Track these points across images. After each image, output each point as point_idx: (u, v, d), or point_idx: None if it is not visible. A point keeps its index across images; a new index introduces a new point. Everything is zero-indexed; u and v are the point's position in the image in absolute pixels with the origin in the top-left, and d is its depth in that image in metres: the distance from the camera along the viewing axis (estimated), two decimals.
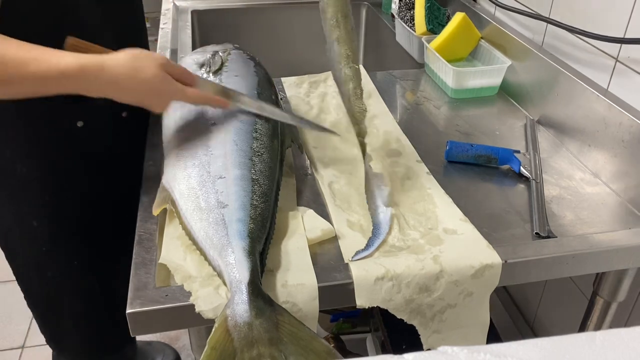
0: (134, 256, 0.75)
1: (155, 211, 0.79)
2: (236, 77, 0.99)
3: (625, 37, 0.93)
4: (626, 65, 0.94)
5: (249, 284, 0.64)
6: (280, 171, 0.89)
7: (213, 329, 0.61)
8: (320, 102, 1.16)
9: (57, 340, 1.22)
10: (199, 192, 0.77)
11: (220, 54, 1.07)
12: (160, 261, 0.73)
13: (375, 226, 0.81)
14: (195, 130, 0.87)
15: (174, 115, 0.92)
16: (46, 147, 0.95)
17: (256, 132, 0.87)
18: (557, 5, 1.10)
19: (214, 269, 0.70)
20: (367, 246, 0.77)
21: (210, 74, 0.99)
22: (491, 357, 0.42)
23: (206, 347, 0.59)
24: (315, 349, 0.61)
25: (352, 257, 0.75)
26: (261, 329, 0.61)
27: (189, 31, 1.54)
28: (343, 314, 1.55)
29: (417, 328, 0.75)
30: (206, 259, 0.71)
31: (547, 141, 1.06)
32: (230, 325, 0.61)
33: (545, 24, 1.14)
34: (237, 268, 0.66)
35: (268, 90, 1.00)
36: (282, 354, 0.60)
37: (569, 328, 1.15)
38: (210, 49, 1.10)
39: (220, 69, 1.02)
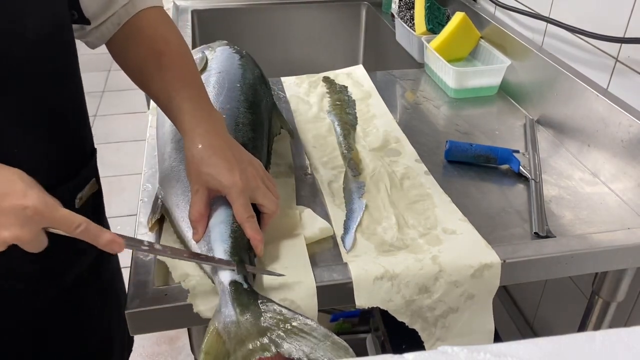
0: (133, 256, 0.75)
1: (150, 222, 0.78)
2: (219, 74, 0.99)
3: (625, 37, 0.93)
4: (626, 65, 0.94)
5: (231, 283, 0.65)
6: (268, 160, 0.89)
7: (205, 335, 0.62)
8: (320, 101, 1.16)
9: None
10: (188, 200, 0.75)
11: (205, 52, 1.07)
12: (158, 257, 0.73)
13: (349, 210, 0.83)
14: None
15: (166, 124, 0.92)
16: None
17: (237, 125, 0.87)
18: (557, 5, 1.10)
19: (206, 274, 0.70)
20: (346, 230, 0.80)
21: None
22: (491, 357, 0.42)
23: (201, 353, 0.60)
24: (301, 329, 0.62)
25: (346, 246, 0.77)
26: (248, 325, 0.62)
27: (189, 31, 1.54)
28: (343, 314, 1.55)
29: (420, 334, 0.74)
30: (199, 265, 0.71)
31: (546, 141, 1.06)
32: (220, 327, 0.62)
33: (545, 23, 1.14)
34: (219, 270, 0.67)
35: (254, 84, 0.99)
36: (271, 343, 0.60)
37: (569, 328, 1.15)
38: (200, 49, 1.10)
39: (204, 68, 1.02)
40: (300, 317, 0.63)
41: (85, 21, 0.76)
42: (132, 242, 0.64)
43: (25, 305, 0.78)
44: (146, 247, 0.65)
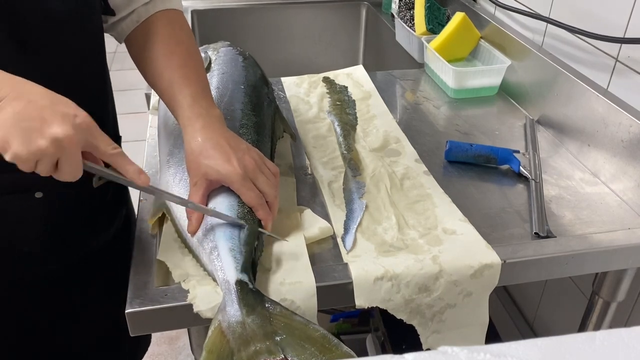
0: (133, 255, 0.75)
1: (151, 220, 0.79)
2: (223, 75, 0.99)
3: (625, 37, 0.93)
4: (626, 65, 0.94)
5: (237, 283, 0.65)
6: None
7: (208, 332, 0.62)
8: (320, 101, 1.16)
9: None
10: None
11: (209, 52, 1.08)
12: (158, 257, 0.73)
13: (350, 210, 0.84)
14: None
15: (168, 123, 0.92)
16: None
17: (241, 127, 0.87)
18: (557, 5, 1.10)
19: (208, 273, 0.70)
20: (347, 230, 0.80)
21: None
22: (491, 357, 0.42)
23: (203, 351, 0.60)
24: (310, 336, 0.62)
25: (346, 246, 0.77)
26: (254, 326, 0.61)
27: None
28: (343, 314, 1.55)
29: (416, 328, 0.75)
30: (201, 264, 0.72)
31: (546, 141, 1.06)
32: (224, 326, 0.62)
33: (545, 23, 1.14)
34: (225, 269, 0.67)
35: (257, 86, 1.00)
36: (278, 347, 0.60)
37: (569, 328, 1.15)
38: (202, 48, 1.10)
39: (208, 68, 1.02)
40: (312, 325, 0.62)
41: (109, 11, 0.82)
42: (154, 189, 0.71)
43: (26, 271, 0.81)
44: (169, 196, 0.72)
